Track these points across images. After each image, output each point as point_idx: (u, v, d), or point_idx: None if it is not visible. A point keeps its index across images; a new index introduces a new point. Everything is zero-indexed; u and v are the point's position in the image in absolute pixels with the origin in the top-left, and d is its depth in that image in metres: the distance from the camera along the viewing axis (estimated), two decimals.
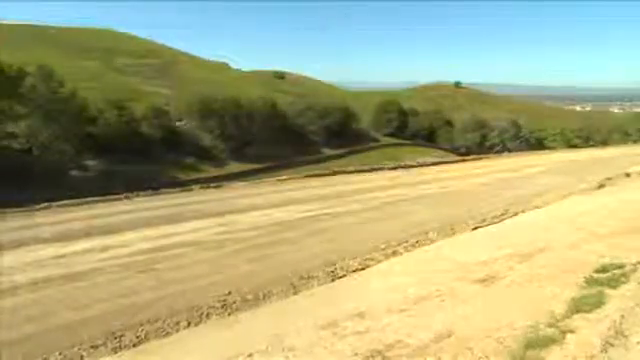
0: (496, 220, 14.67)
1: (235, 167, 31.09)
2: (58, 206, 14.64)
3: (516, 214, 15.50)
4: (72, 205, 14.99)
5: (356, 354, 3.71)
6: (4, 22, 59.90)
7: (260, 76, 70.54)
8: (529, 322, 3.35)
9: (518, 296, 4.44)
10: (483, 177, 24.84)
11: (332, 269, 9.84)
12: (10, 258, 9.76)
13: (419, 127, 52.79)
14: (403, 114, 50.16)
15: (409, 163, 30.30)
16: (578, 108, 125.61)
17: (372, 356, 3.55)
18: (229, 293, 8.43)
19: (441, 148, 49.67)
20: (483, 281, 5.39)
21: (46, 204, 14.83)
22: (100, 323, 7.09)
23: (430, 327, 3.92)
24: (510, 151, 48.76)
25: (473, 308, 4.38)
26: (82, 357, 5.97)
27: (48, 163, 24.54)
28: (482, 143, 51.38)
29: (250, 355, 4.33)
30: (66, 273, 9.16)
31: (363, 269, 9.82)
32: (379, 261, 10.45)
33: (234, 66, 76.13)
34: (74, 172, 25.84)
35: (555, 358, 2.46)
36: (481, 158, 38.08)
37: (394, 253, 11.07)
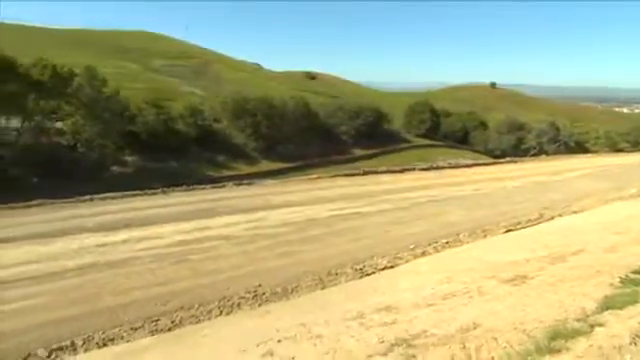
0: (530, 224, 14.30)
1: (266, 165, 31.60)
2: (100, 199, 15.41)
3: (552, 218, 15.04)
4: (113, 198, 15.74)
5: (382, 342, 3.79)
6: (52, 27, 63.46)
7: (291, 77, 71.27)
8: (557, 317, 3.32)
9: (548, 294, 4.37)
10: (518, 180, 24.11)
11: (360, 267, 9.93)
12: (59, 245, 10.42)
13: (451, 128, 51.76)
14: (435, 115, 49.28)
15: (441, 164, 29.81)
16: (625, 110, 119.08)
17: (398, 344, 3.62)
18: (259, 285, 8.68)
19: (474, 150, 48.50)
20: (512, 280, 5.33)
21: (89, 196, 15.64)
22: (138, 308, 7.49)
23: (456, 320, 3.95)
24: (548, 154, 47.00)
25: (501, 304, 4.36)
26: (123, 337, 6.34)
27: (91, 159, 25.84)
28: (518, 146, 49.75)
29: (279, 341, 4.49)
30: (107, 261, 9.69)
31: (392, 267, 9.85)
32: (408, 260, 10.44)
33: (266, 67, 77.23)
34: (114, 168, 27.03)
35: (581, 347, 2.45)
36: (516, 161, 36.91)
37: (423, 253, 11.02)
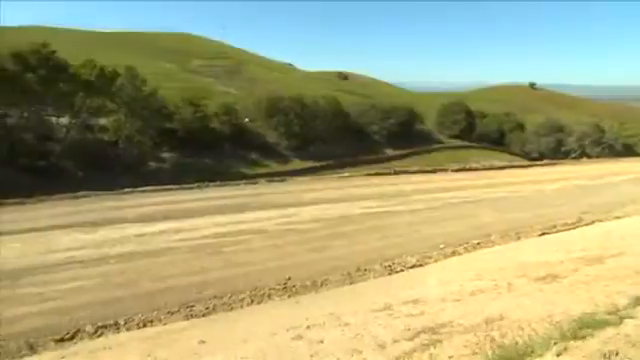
0: (567, 227, 13.84)
1: (298, 164, 31.95)
2: (140, 192, 16.18)
3: (592, 223, 14.47)
4: (151, 191, 16.48)
5: (409, 329, 3.87)
6: (97, 30, 66.68)
7: (324, 76, 71.51)
8: (587, 311, 3.29)
9: (580, 292, 4.29)
10: (556, 183, 23.30)
11: (389, 264, 9.97)
12: (102, 233, 11.07)
13: (487, 130, 50.34)
14: (470, 116, 48.13)
15: (474, 166, 29.22)
16: None
17: (424, 331, 3.69)
18: (289, 278, 8.90)
19: (511, 152, 47.03)
20: (544, 278, 5.24)
21: (129, 189, 16.46)
22: (174, 294, 7.87)
23: (483, 312, 3.97)
24: (590, 157, 44.94)
25: (530, 299, 4.32)
26: (160, 320, 6.71)
27: (131, 154, 27.06)
28: (557, 148, 47.79)
29: (308, 327, 4.66)
30: (146, 250, 10.20)
31: (421, 266, 9.84)
32: (437, 260, 10.39)
33: (299, 67, 77.85)
34: (152, 163, 28.16)
35: (607, 335, 2.44)
36: (556, 164, 35.63)
37: (453, 253, 10.93)
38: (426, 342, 3.39)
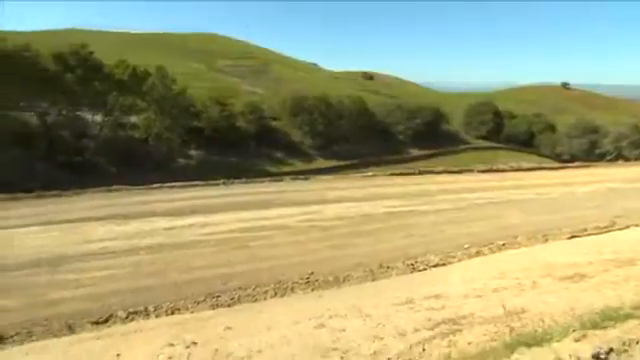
0: (599, 231, 13.40)
1: (322, 163, 32.12)
2: (168, 187, 16.69)
3: (627, 227, 13.94)
4: (179, 187, 16.97)
5: (429, 320, 3.92)
6: (130, 32, 68.91)
7: (349, 76, 71.48)
8: (612, 306, 3.24)
9: (607, 290, 4.21)
10: (589, 186, 22.54)
11: (412, 262, 9.96)
12: (133, 225, 11.51)
13: (515, 131, 49.08)
14: (498, 116, 47.08)
15: (502, 167, 28.60)
16: None
17: (444, 322, 3.74)
18: (312, 273, 9.03)
19: (540, 154, 45.71)
20: (570, 278, 5.15)
21: (158, 185, 16.99)
22: (201, 285, 8.13)
23: (505, 309, 3.98)
24: (628, 160, 43.15)
25: (554, 296, 4.28)
26: (187, 308, 6.96)
27: (160, 151, 27.91)
28: (591, 150, 46.06)
29: (330, 317, 4.76)
30: (175, 242, 10.55)
31: (444, 265, 9.78)
32: (461, 259, 10.30)
33: (324, 67, 78.02)
34: (180, 160, 28.96)
35: (629, 327, 2.42)
36: (589, 166, 34.40)
37: (478, 253, 10.80)
38: (446, 331, 3.43)
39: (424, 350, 3.06)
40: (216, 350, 3.87)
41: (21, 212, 12.50)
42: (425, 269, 9.39)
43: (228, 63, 58.85)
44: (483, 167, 27.31)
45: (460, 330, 3.36)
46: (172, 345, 4.20)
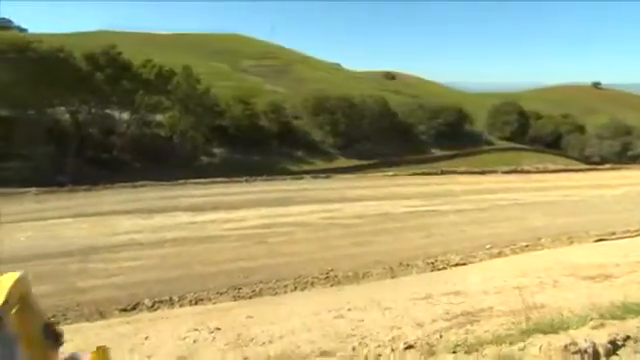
0: (628, 235, 13.02)
1: (343, 162, 32.16)
2: (192, 183, 17.10)
3: None
4: (202, 184, 17.36)
5: (447, 313, 3.96)
6: (156, 33, 70.67)
7: (371, 76, 71.25)
8: (636, 302, 3.20)
9: (632, 290, 4.13)
10: (619, 189, 21.82)
11: (432, 261, 9.93)
12: (158, 219, 11.88)
13: (541, 132, 47.84)
14: (523, 117, 46.01)
15: (526, 168, 27.99)
16: None
17: (463, 315, 3.77)
18: (331, 269, 9.13)
19: (567, 156, 44.42)
20: (594, 278, 5.07)
21: (183, 181, 17.43)
22: (224, 277, 8.34)
23: (524, 302, 3.98)
24: None
25: (575, 294, 4.23)
26: (210, 299, 7.18)
27: (184, 149, 28.59)
28: (624, 152, 44.35)
29: (349, 310, 4.86)
30: (198, 236, 10.84)
31: (464, 265, 9.72)
32: (482, 259, 10.22)
33: (346, 67, 77.95)
34: (203, 158, 29.55)
35: None
36: (620, 168, 33.24)
37: (500, 254, 10.68)
38: (463, 322, 3.47)
39: (441, 337, 3.11)
40: (239, 335, 4.02)
41: (55, 205, 13.08)
42: (445, 268, 9.36)
43: (251, 63, 59.57)
44: (506, 168, 26.80)
45: (478, 321, 3.38)
46: (197, 330, 4.38)
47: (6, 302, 1.10)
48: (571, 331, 2.28)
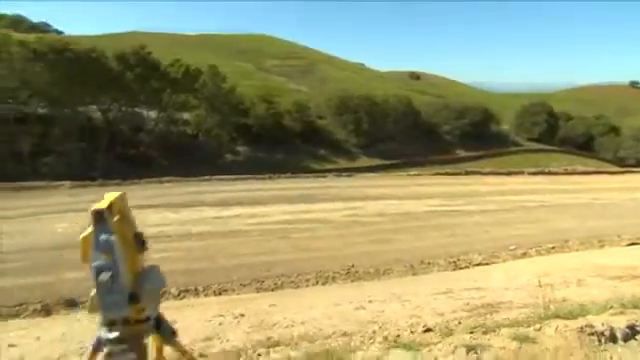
0: None
1: (366, 161, 32.20)
2: (217, 179, 17.51)
3: None
4: (227, 180, 17.74)
5: (468, 304, 3.98)
6: (184, 34, 72.31)
7: (395, 76, 70.79)
8: None
9: None
10: None
11: (454, 260, 9.85)
12: (185, 214, 12.23)
13: (572, 133, 46.53)
14: (552, 117, 44.82)
15: (554, 170, 27.22)
16: None
17: (483, 307, 3.78)
18: (352, 265, 9.19)
19: (600, 158, 42.98)
20: (620, 277, 4.95)
21: (208, 177, 17.85)
22: (247, 270, 8.53)
23: (546, 297, 3.96)
24: None
25: (599, 290, 4.16)
26: (234, 290, 7.38)
27: (210, 146, 29.23)
28: None
29: (370, 301, 4.93)
30: (222, 230, 11.11)
31: (487, 264, 9.60)
32: (505, 260, 10.06)
33: (370, 67, 77.70)
34: (228, 155, 30.16)
35: None
36: None
37: (524, 255, 10.49)
38: (483, 312, 3.49)
39: (459, 323, 3.14)
40: (262, 320, 4.16)
41: (87, 198, 13.53)
42: (467, 267, 9.27)
43: (275, 63, 60.22)
44: (533, 170, 26.15)
45: (497, 311, 3.40)
46: (222, 316, 4.55)
47: (109, 207, 1.44)
48: (590, 316, 2.28)
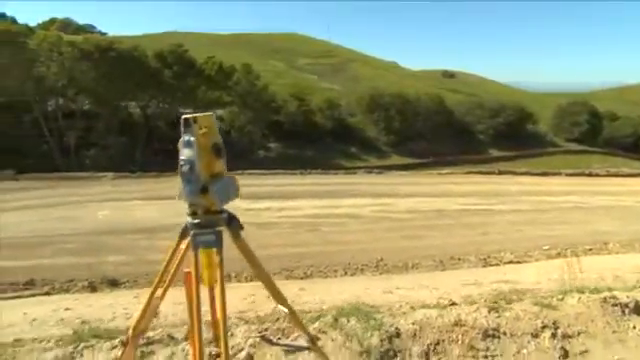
0: None
1: (397, 160, 32.01)
2: (248, 174, 17.95)
3: None
4: (258, 175, 18.15)
5: (495, 290, 4.00)
6: (219, 33, 74.03)
7: (429, 75, 69.73)
8: None
9: None
10: None
11: (484, 257, 9.73)
12: None
13: (617, 134, 44.28)
14: (595, 117, 42.85)
15: (595, 171, 26.10)
16: None
17: (510, 292, 3.80)
18: (381, 259, 9.26)
19: None
20: None
21: (240, 172, 18.32)
22: (276, 260, 8.76)
23: (576, 279, 3.94)
24: None
25: (633, 284, 4.07)
26: None
27: (242, 143, 29.91)
28: None
29: (398, 288, 5.03)
30: (254, 222, 11.39)
31: (519, 263, 9.43)
32: (538, 259, 9.84)
33: (403, 65, 76.88)
34: (260, 152, 30.78)
35: None
36: None
37: (559, 255, 10.20)
38: (510, 296, 3.53)
39: (485, 300, 3.19)
40: (292, 300, 4.35)
41: (127, 188, 14.38)
42: (498, 264, 9.14)
43: (308, 61, 60.68)
44: (572, 171, 25.18)
45: (524, 294, 3.42)
46: (253, 295, 4.78)
47: (195, 120, 1.81)
48: (615, 292, 2.28)
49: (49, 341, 2.66)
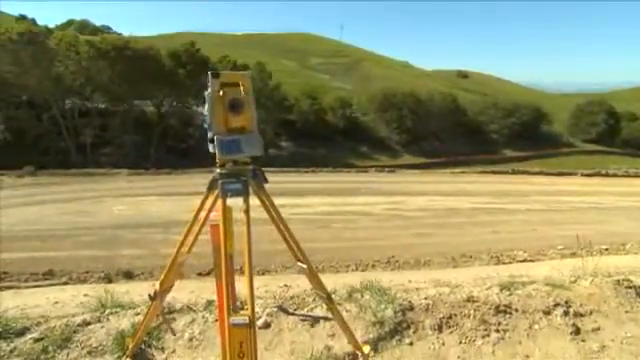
0: None
1: (408, 159, 31.88)
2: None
3: None
4: (271, 172, 17.85)
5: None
6: (232, 33, 74.58)
7: (442, 75, 69.24)
8: None
9: None
10: None
11: (497, 255, 9.67)
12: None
13: (637, 134, 43.36)
14: (612, 117, 42.04)
15: (612, 172, 25.64)
16: None
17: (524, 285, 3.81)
18: (392, 256, 9.26)
19: None
20: None
21: None
22: (288, 255, 8.80)
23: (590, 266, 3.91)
24: None
25: None
26: (276, 271, 7.73)
27: None
28: None
29: (410, 281, 5.04)
30: (267, 218, 11.48)
31: (532, 261, 9.35)
32: (552, 258, 9.73)
33: (416, 65, 76.46)
34: (271, 150, 30.90)
35: None
36: None
37: (573, 254, 10.06)
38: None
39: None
40: (304, 290, 4.42)
41: (142, 185, 14.62)
42: (510, 262, 9.08)
43: (320, 61, 60.78)
44: (588, 171, 24.79)
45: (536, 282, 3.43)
46: (267, 285, 4.86)
47: (218, 75, 1.98)
48: (631, 277, 2.28)
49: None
